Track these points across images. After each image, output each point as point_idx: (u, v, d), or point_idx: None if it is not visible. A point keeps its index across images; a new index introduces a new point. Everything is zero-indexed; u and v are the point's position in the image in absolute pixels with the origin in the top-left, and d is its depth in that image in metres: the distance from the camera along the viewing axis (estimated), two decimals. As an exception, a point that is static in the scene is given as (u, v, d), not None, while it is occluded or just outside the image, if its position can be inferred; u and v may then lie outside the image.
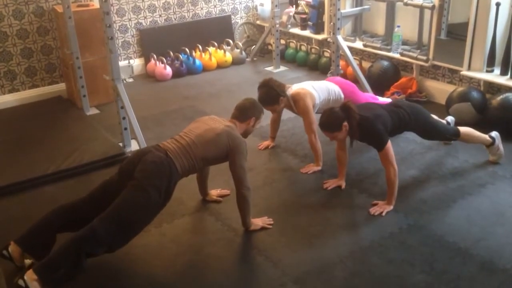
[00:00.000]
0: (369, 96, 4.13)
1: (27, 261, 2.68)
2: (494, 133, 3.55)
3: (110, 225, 2.47)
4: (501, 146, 3.55)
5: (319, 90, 3.70)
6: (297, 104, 3.61)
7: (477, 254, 2.67)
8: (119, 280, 2.63)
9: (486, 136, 3.52)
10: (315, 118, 3.55)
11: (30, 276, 2.36)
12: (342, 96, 3.79)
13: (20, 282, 2.35)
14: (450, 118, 3.86)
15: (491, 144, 3.53)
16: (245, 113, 3.07)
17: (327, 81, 3.93)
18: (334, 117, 3.05)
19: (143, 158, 2.65)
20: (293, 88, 3.68)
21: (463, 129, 3.48)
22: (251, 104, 3.14)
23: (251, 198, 2.87)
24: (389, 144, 3.05)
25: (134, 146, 4.01)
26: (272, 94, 3.56)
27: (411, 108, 3.29)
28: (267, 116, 4.21)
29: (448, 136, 3.51)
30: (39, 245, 2.63)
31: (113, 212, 2.50)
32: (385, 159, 3.05)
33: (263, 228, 2.96)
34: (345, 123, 3.03)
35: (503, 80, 4.11)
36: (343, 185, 3.37)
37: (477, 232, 2.86)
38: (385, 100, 4.09)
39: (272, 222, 3.01)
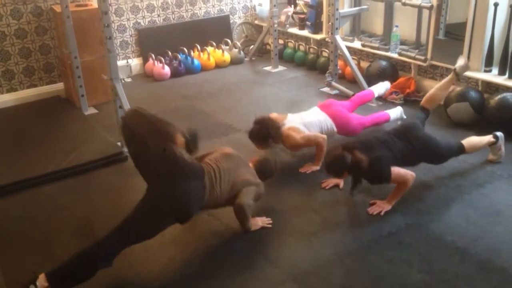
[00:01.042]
0: (362, 119, 4.00)
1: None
2: (499, 133, 3.55)
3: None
4: (503, 147, 3.56)
5: (310, 126, 3.71)
6: (286, 144, 3.64)
7: (475, 253, 2.68)
8: (119, 280, 2.63)
9: (489, 137, 3.53)
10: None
11: (41, 283, 2.36)
12: (335, 129, 3.81)
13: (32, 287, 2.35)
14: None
15: (493, 143, 3.53)
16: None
17: (319, 111, 3.87)
18: (339, 164, 3.03)
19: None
20: (286, 124, 3.65)
21: (465, 141, 3.43)
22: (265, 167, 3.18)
23: (250, 213, 2.89)
24: (393, 170, 3.01)
25: (132, 145, 4.01)
26: (263, 134, 3.55)
27: (416, 140, 3.21)
28: (266, 115, 4.22)
29: (454, 155, 3.41)
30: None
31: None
32: (398, 181, 3.06)
33: (262, 228, 2.97)
34: (346, 172, 3.06)
35: (501, 80, 4.12)
36: (342, 184, 3.37)
37: (475, 231, 2.87)
38: (383, 114, 4.12)
39: (271, 222, 3.01)
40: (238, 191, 2.85)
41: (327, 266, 2.65)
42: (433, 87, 3.57)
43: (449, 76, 3.57)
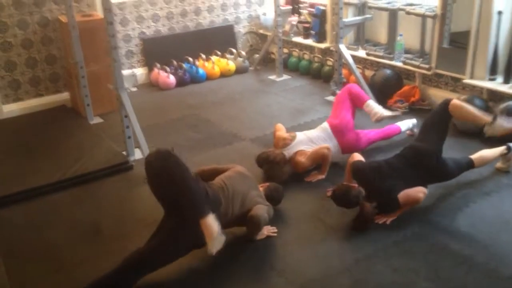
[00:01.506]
0: (370, 134, 3.94)
1: None
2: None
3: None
4: None
5: (317, 141, 3.74)
6: (296, 169, 3.66)
7: (482, 262, 2.67)
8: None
9: (502, 149, 3.50)
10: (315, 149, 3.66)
11: None
12: (340, 149, 3.78)
13: None
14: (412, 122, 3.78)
15: (505, 154, 3.51)
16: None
17: (327, 128, 3.83)
18: (348, 200, 3.06)
19: None
20: (293, 148, 3.69)
21: (476, 156, 3.39)
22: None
23: (264, 226, 2.92)
24: (403, 194, 3.02)
25: (137, 154, 4.03)
26: (273, 171, 3.55)
27: (428, 168, 3.18)
28: (271, 124, 4.23)
29: (464, 171, 3.35)
30: None
31: None
32: (408, 205, 3.06)
33: (267, 237, 2.96)
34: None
35: (506, 88, 4.12)
36: (348, 193, 3.36)
37: (482, 240, 2.86)
38: (393, 126, 4.08)
39: (276, 231, 3.01)
40: (249, 209, 2.87)
41: (333, 275, 2.64)
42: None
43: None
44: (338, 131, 3.80)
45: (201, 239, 2.55)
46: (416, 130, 4.12)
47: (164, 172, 2.51)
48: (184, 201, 2.53)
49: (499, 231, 2.93)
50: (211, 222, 2.52)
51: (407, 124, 4.16)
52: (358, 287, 2.55)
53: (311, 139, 3.76)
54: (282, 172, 3.55)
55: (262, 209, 2.88)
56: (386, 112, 4.00)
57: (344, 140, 3.77)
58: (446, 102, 3.26)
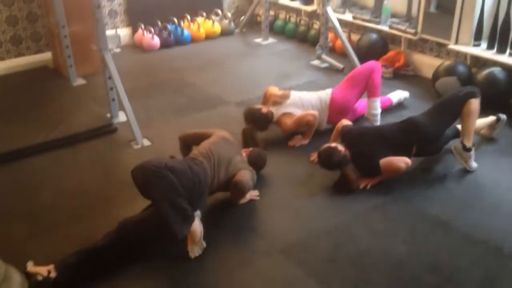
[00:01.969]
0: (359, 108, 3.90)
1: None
2: (503, 116, 3.54)
3: None
4: (498, 129, 3.58)
5: (307, 105, 3.72)
6: (282, 130, 3.70)
7: (457, 226, 2.75)
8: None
9: (491, 119, 3.55)
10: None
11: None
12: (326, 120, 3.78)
13: (39, 277, 2.35)
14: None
15: (493, 124, 3.56)
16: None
17: (327, 99, 3.77)
18: (330, 163, 3.11)
19: None
20: (282, 109, 3.69)
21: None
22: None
23: (248, 192, 2.95)
24: (385, 161, 3.05)
25: (121, 117, 4.01)
26: (257, 129, 3.58)
27: (418, 139, 3.19)
28: (256, 87, 4.22)
29: (450, 140, 3.38)
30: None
31: None
32: (390, 172, 3.09)
33: (250, 201, 3.01)
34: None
35: (489, 55, 4.14)
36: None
37: (458, 205, 2.94)
38: (384, 99, 4.04)
39: (258, 194, 3.06)
40: (233, 175, 2.89)
41: (313, 239, 2.70)
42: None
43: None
44: (336, 105, 3.75)
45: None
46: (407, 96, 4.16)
47: (145, 189, 2.55)
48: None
49: (475, 196, 3.01)
50: (195, 228, 2.56)
51: (398, 96, 4.15)
52: (337, 250, 2.62)
53: (302, 104, 3.73)
54: (266, 124, 3.58)
55: (246, 175, 2.91)
56: (378, 122, 3.82)
57: (335, 115, 3.72)
58: (468, 97, 3.16)
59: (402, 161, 3.07)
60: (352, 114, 3.81)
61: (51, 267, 2.38)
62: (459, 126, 3.34)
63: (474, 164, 3.23)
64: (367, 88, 3.76)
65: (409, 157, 3.15)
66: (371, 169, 3.11)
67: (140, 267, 2.54)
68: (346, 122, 3.38)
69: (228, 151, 2.97)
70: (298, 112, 3.67)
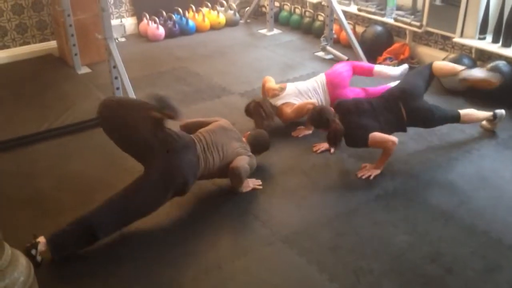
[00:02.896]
0: (358, 90, 3.90)
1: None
2: (499, 112, 3.52)
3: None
4: (499, 124, 3.58)
5: (304, 93, 3.74)
6: (281, 119, 3.72)
7: (459, 217, 2.77)
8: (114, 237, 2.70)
9: (488, 114, 3.52)
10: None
11: (40, 247, 2.44)
12: (328, 99, 3.79)
13: (33, 252, 2.41)
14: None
15: (491, 120, 3.55)
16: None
17: (323, 80, 3.83)
18: (319, 119, 3.17)
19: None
20: (281, 100, 3.71)
21: (463, 112, 3.41)
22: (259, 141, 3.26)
23: (246, 177, 2.95)
24: (373, 136, 3.07)
25: (126, 106, 4.01)
26: (260, 121, 3.60)
27: (410, 110, 3.23)
28: (260, 78, 4.23)
29: (447, 122, 3.41)
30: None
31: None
32: (377, 145, 3.11)
33: (253, 189, 3.03)
34: (322, 130, 3.20)
35: (495, 48, 4.13)
36: (333, 148, 3.42)
37: (460, 196, 2.95)
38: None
39: (261, 183, 3.07)
40: (231, 160, 2.91)
41: (316, 228, 2.72)
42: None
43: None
44: (332, 84, 3.79)
45: (172, 183, 2.64)
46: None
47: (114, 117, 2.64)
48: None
49: (477, 187, 3.02)
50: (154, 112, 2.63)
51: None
52: (339, 239, 2.64)
53: (300, 92, 3.75)
54: (268, 117, 3.59)
55: (243, 160, 2.93)
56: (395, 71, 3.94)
57: (335, 95, 3.74)
58: (430, 66, 3.43)
59: (389, 140, 3.09)
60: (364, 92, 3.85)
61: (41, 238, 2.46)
62: (461, 111, 3.39)
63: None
64: (362, 74, 3.97)
65: (403, 128, 3.24)
66: (358, 140, 3.13)
67: (141, 259, 2.56)
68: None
69: (224, 136, 2.98)
70: (297, 101, 3.69)
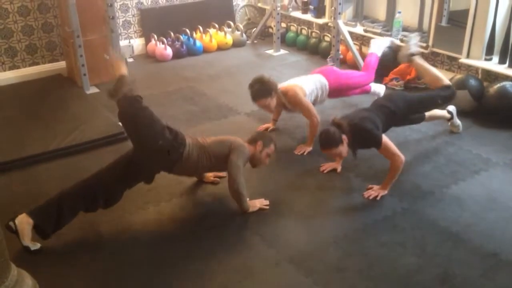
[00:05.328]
0: (350, 73, 4.30)
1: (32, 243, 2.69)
2: (452, 108, 3.82)
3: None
4: (459, 122, 3.87)
5: (305, 82, 3.84)
6: (288, 97, 3.72)
7: (468, 239, 2.74)
8: (119, 255, 2.69)
9: (444, 112, 3.81)
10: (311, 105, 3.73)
11: (22, 219, 2.62)
12: (327, 84, 3.92)
13: (11, 224, 2.63)
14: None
15: (450, 119, 3.83)
16: (253, 135, 3.19)
17: (313, 74, 4.01)
18: (332, 134, 3.07)
19: None
20: (282, 85, 3.80)
21: (427, 114, 3.67)
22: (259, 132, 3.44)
23: (244, 190, 2.94)
24: (385, 138, 3.08)
25: (133, 125, 4.04)
26: (264, 88, 3.62)
27: (395, 103, 3.31)
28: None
29: (418, 122, 3.67)
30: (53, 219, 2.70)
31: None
32: (387, 152, 3.10)
33: (260, 210, 3.02)
34: (344, 136, 3.06)
35: (501, 69, 4.14)
36: (339, 168, 3.42)
37: (468, 217, 2.93)
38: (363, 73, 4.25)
39: (268, 203, 3.06)
40: (225, 155, 2.95)
41: (322, 248, 2.70)
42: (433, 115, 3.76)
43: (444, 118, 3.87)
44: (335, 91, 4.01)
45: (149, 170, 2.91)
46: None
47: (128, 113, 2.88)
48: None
49: (486, 209, 2.99)
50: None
51: (375, 87, 4.33)
52: (346, 260, 2.62)
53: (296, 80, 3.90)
54: (269, 93, 3.63)
55: (237, 174, 2.90)
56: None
57: (332, 81, 3.94)
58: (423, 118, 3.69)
59: (399, 153, 3.08)
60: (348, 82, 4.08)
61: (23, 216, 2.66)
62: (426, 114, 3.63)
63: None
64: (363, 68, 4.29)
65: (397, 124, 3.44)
66: (372, 141, 3.09)
67: (144, 278, 2.55)
68: None
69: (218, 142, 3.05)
70: (302, 84, 3.79)
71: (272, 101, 3.66)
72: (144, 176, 2.95)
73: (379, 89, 4.34)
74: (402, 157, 3.09)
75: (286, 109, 3.87)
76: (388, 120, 3.24)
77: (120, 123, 2.97)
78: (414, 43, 3.65)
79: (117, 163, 2.90)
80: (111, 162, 2.92)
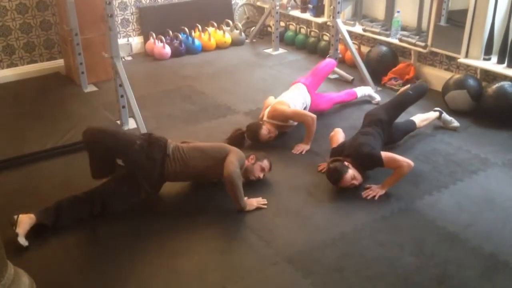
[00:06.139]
0: (331, 95, 4.34)
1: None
2: (438, 109, 3.95)
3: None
4: (449, 116, 3.93)
5: (295, 101, 3.91)
6: (276, 117, 3.79)
7: (466, 239, 2.74)
8: (115, 254, 2.69)
9: (432, 112, 3.91)
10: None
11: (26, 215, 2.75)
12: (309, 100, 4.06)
13: (15, 216, 2.72)
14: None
15: (440, 117, 3.91)
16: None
17: (298, 85, 4.08)
18: (334, 168, 3.15)
19: None
20: (271, 104, 3.91)
21: (415, 118, 3.77)
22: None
23: (240, 182, 2.95)
24: (385, 153, 3.15)
25: (131, 124, 4.04)
26: (251, 130, 3.73)
27: (377, 113, 3.51)
28: (265, 98, 4.25)
29: (412, 129, 3.75)
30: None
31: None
32: (393, 165, 3.13)
33: (257, 209, 3.01)
34: (345, 162, 3.16)
35: (500, 69, 4.14)
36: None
37: (466, 217, 2.92)
38: (350, 91, 4.39)
39: (266, 202, 3.06)
40: (221, 158, 3.01)
41: (320, 248, 2.70)
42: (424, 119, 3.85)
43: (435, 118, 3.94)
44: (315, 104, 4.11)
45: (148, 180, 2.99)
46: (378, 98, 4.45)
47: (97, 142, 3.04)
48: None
49: (484, 209, 2.99)
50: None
51: (363, 91, 4.43)
52: (344, 260, 2.61)
53: (283, 96, 3.98)
54: (257, 130, 3.72)
55: (233, 163, 2.95)
56: None
57: (313, 99, 4.06)
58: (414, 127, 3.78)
59: (405, 161, 3.12)
60: (326, 100, 4.22)
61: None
62: (413, 118, 3.74)
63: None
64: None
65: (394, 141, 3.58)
66: (374, 161, 3.16)
67: (143, 275, 2.55)
68: (338, 132, 3.55)
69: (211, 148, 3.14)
70: (295, 103, 3.87)
71: (266, 129, 3.72)
72: (144, 184, 3.00)
73: (367, 91, 4.46)
74: (411, 164, 3.12)
75: (284, 128, 3.90)
76: (383, 129, 3.40)
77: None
78: None
79: (118, 179, 3.07)
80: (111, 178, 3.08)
